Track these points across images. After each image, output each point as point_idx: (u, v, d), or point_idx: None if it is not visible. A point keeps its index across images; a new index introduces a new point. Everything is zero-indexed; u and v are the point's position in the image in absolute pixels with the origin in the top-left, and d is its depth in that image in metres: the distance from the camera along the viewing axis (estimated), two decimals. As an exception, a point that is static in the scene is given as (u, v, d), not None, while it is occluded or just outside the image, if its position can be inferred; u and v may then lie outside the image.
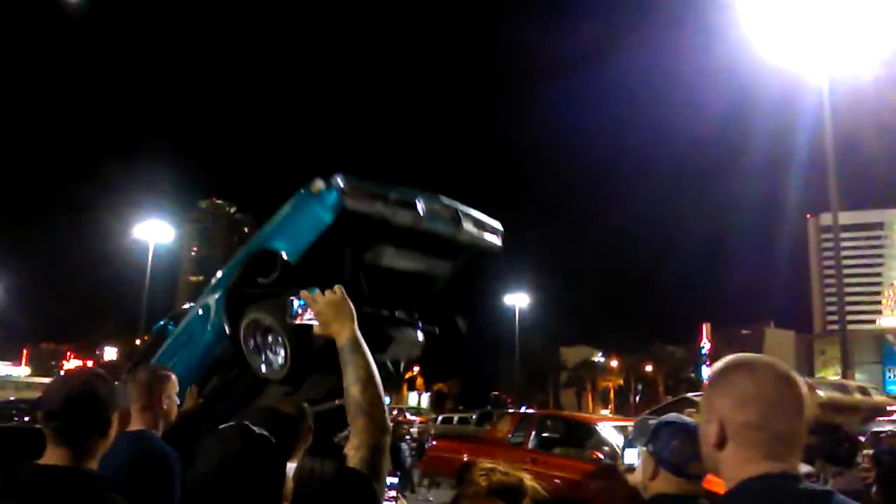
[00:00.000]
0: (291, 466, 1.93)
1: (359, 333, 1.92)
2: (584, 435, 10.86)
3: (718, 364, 1.52)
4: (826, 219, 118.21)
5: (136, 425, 3.13)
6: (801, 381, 1.47)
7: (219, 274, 6.61)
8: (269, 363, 5.54)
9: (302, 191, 5.64)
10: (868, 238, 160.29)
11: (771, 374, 1.45)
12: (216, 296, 6.10)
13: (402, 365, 7.04)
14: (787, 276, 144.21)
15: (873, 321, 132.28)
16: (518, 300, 60.62)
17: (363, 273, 5.76)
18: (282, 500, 1.66)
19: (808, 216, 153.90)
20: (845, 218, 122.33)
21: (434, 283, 6.52)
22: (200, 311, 6.32)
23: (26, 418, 15.22)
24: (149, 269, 34.54)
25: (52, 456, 2.00)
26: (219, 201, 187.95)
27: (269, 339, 5.54)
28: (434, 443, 17.52)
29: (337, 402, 5.64)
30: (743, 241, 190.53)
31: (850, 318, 44.49)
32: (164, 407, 3.24)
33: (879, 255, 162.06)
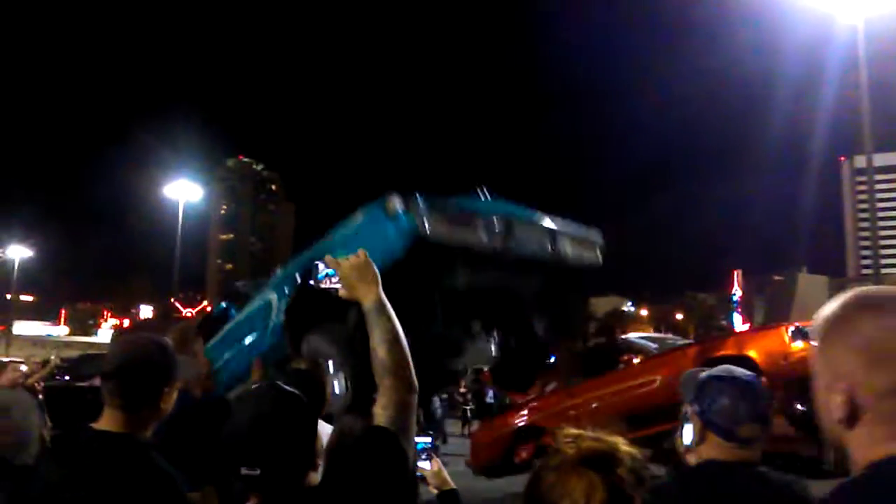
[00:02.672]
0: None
1: (383, 296, 1.90)
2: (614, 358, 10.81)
3: (834, 305, 1.07)
4: (860, 161, 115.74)
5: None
6: None
7: (279, 272, 6.38)
8: (331, 388, 5.28)
9: (375, 207, 5.11)
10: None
11: None
12: (276, 296, 5.92)
13: (470, 369, 6.98)
14: (820, 221, 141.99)
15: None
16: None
17: (439, 295, 5.29)
18: (315, 456, 1.70)
19: (841, 159, 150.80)
20: (879, 160, 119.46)
21: (521, 298, 6.08)
22: (261, 306, 6.16)
23: (66, 377, 15.68)
24: (179, 228, 34.92)
25: (108, 420, 2.01)
26: (245, 160, 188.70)
27: (330, 365, 5.23)
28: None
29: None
30: (775, 186, 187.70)
31: (884, 261, 43.78)
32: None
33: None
